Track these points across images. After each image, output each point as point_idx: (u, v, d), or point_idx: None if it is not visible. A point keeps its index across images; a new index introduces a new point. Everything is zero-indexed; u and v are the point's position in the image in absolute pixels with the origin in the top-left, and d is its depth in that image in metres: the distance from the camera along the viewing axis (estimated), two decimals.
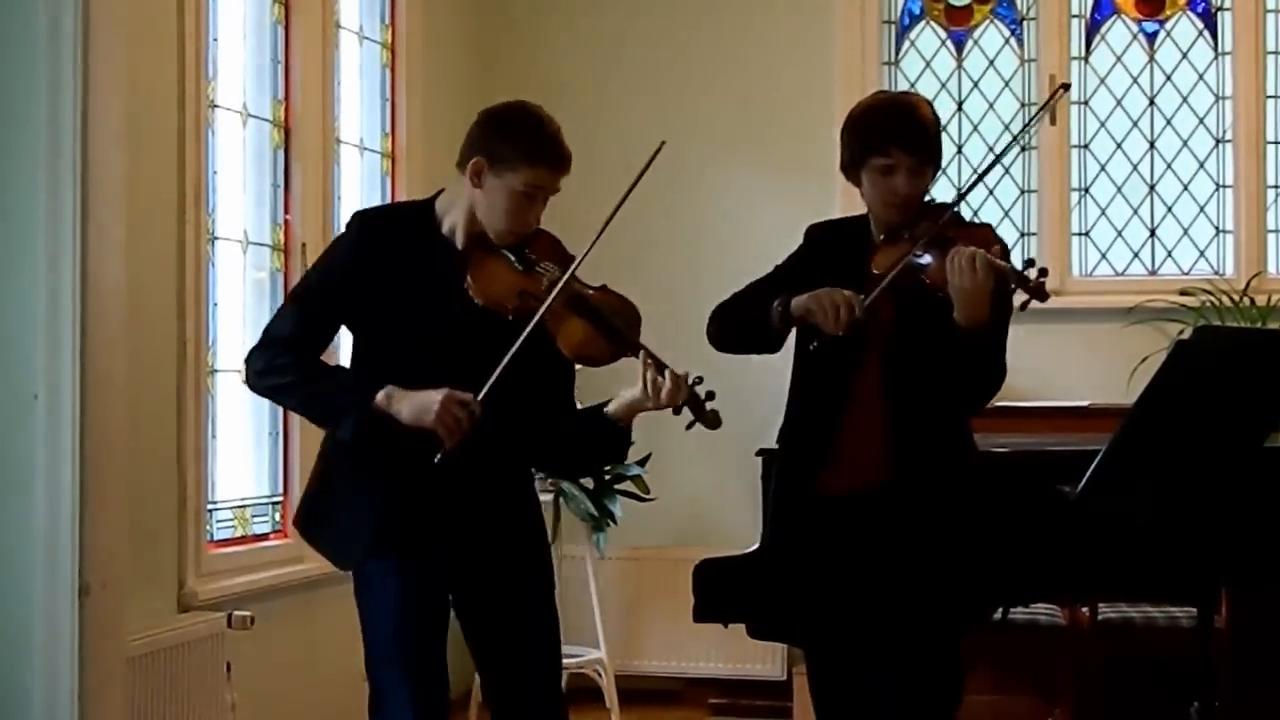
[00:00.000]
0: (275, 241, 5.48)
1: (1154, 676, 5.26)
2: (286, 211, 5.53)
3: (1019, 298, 3.31)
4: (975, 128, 6.77)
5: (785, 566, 3.75)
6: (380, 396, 3.31)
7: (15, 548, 3.99)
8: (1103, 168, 6.72)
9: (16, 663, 3.99)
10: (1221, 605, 5.19)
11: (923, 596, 3.50)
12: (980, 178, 4.24)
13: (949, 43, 6.85)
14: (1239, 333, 4.78)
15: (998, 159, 5.90)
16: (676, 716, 6.60)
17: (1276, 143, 6.57)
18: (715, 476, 6.65)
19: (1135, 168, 6.71)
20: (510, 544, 3.54)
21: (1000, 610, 4.51)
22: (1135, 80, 6.72)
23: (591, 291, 3.46)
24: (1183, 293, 6.35)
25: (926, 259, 3.38)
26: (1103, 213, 6.72)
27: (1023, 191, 6.75)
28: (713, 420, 3.51)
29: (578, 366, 3.56)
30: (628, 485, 6.28)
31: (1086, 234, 6.72)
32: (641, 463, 6.28)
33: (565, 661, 6.32)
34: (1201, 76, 6.67)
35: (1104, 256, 6.72)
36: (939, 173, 3.60)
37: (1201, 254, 6.66)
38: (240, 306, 5.30)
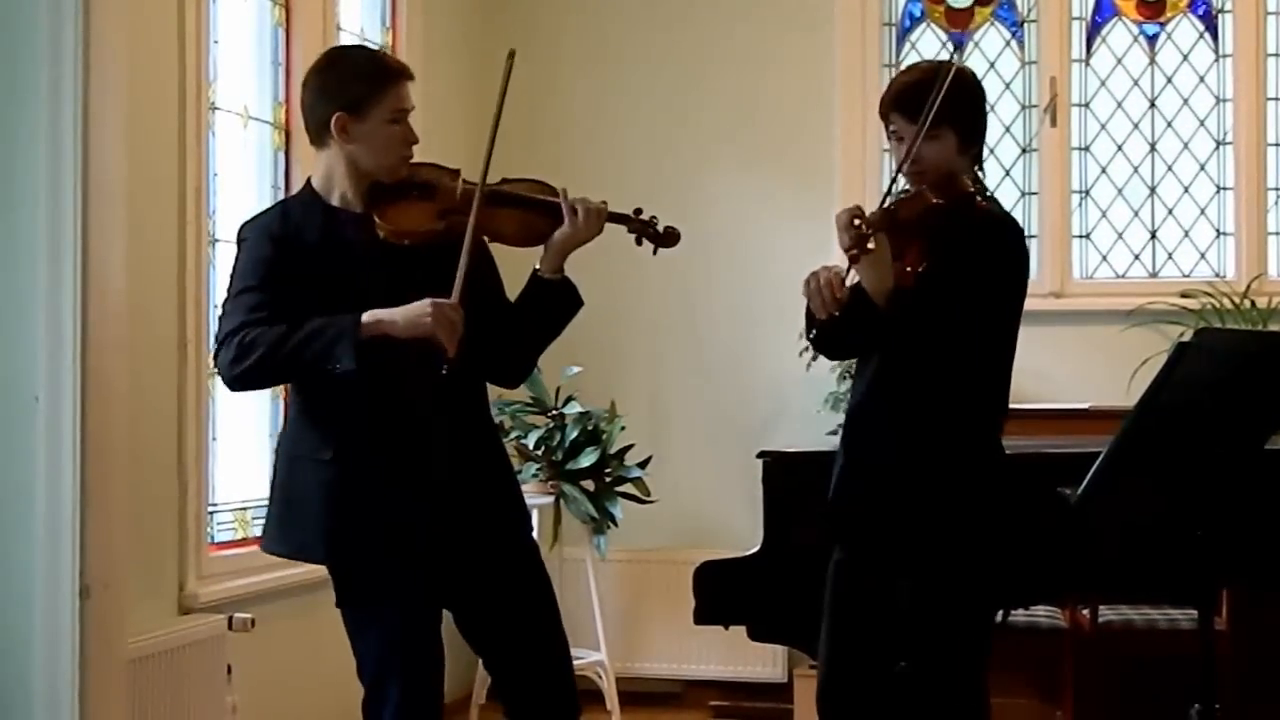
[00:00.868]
0: None
1: (1154, 679, 5.26)
2: None
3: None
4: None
5: (788, 566, 3.73)
6: (366, 318, 3.25)
7: (16, 550, 4.00)
8: (1103, 170, 6.72)
9: (17, 665, 4.00)
10: (1222, 608, 5.19)
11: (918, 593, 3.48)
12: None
13: (950, 45, 6.85)
14: (1240, 335, 4.77)
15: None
16: (677, 718, 6.60)
17: (1277, 145, 6.57)
18: (716, 479, 6.65)
19: (1136, 170, 6.70)
20: (494, 523, 3.52)
21: (1001, 613, 4.50)
22: (1136, 82, 6.71)
23: (498, 183, 3.49)
24: (1183, 295, 6.35)
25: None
26: (1103, 215, 6.72)
27: (1023, 194, 6.75)
28: (670, 236, 3.62)
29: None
30: (628, 488, 6.28)
31: (1087, 236, 6.72)
32: (642, 465, 6.29)
33: None
34: (1202, 79, 6.67)
35: (1104, 259, 6.72)
36: (975, 143, 3.44)
37: (1202, 256, 6.66)
38: None
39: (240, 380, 3.37)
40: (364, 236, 3.40)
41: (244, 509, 5.29)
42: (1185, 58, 6.69)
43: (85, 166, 4.02)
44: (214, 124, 5.12)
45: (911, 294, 3.30)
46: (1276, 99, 6.57)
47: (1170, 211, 6.68)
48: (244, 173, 5.40)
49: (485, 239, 3.47)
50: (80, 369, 4.01)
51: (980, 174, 3.54)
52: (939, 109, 3.28)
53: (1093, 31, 6.75)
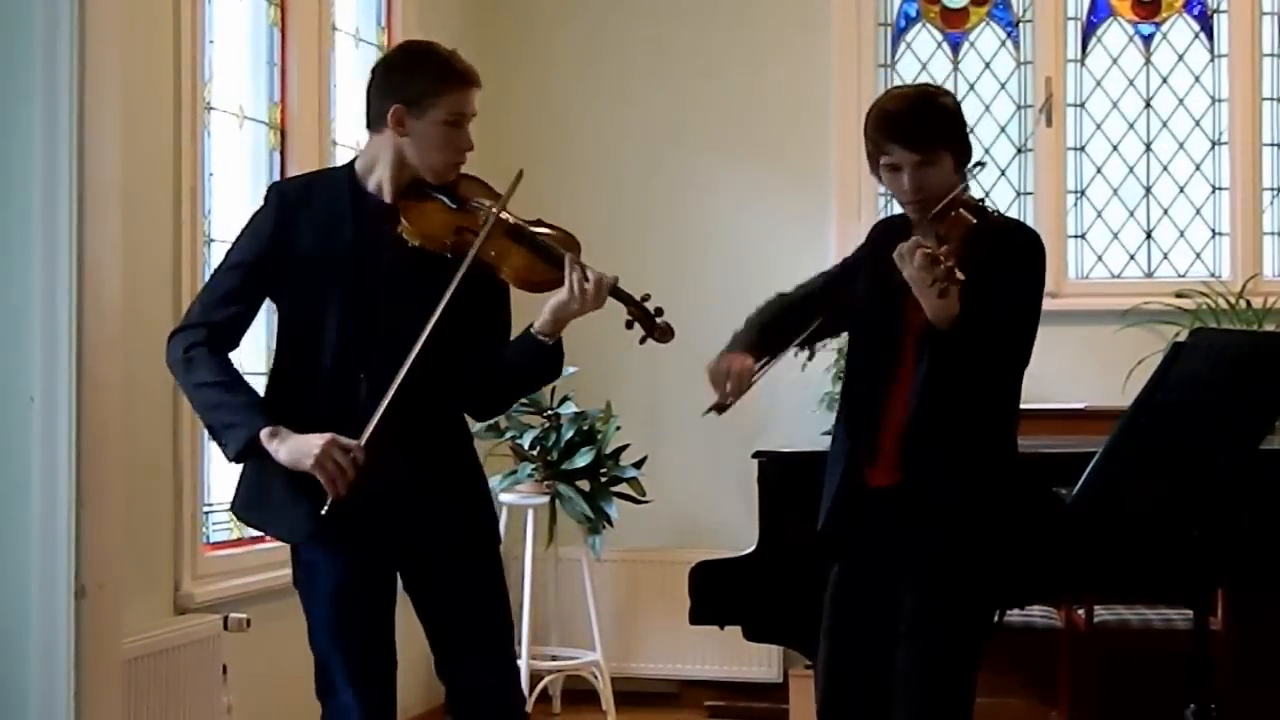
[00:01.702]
0: None
1: (1150, 679, 5.27)
2: None
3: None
4: (971, 130, 6.74)
5: (783, 566, 3.73)
6: (265, 432, 3.32)
7: (11, 550, 3.99)
8: (1099, 170, 6.72)
9: (13, 665, 3.99)
10: (1218, 607, 5.19)
11: (921, 614, 3.47)
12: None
13: (945, 45, 6.86)
14: (1235, 335, 4.78)
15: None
16: (673, 718, 6.60)
17: (1272, 145, 6.58)
18: (711, 479, 6.65)
19: (1131, 170, 6.71)
20: (453, 512, 3.51)
21: (996, 612, 4.50)
22: (1131, 83, 6.72)
23: (530, 224, 3.49)
24: (1179, 295, 6.35)
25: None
26: (1099, 215, 6.72)
27: (1019, 194, 6.75)
28: (664, 332, 3.55)
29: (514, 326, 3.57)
30: (624, 488, 6.28)
31: (1082, 236, 6.73)
32: (638, 465, 6.28)
33: (562, 664, 6.38)
34: (1198, 79, 6.67)
35: (1100, 259, 6.72)
36: (967, 159, 3.50)
37: (1197, 256, 6.67)
38: None
39: (169, 366, 3.51)
40: (379, 228, 3.41)
41: None
42: (1181, 58, 6.69)
43: (80, 166, 4.02)
44: (209, 124, 5.12)
45: (964, 313, 3.29)
46: (1272, 99, 6.58)
47: (1166, 211, 6.69)
48: (239, 173, 5.40)
49: (489, 270, 3.43)
50: (75, 369, 4.01)
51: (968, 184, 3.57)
52: (938, 136, 3.40)
53: (1088, 31, 6.75)
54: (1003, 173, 6.74)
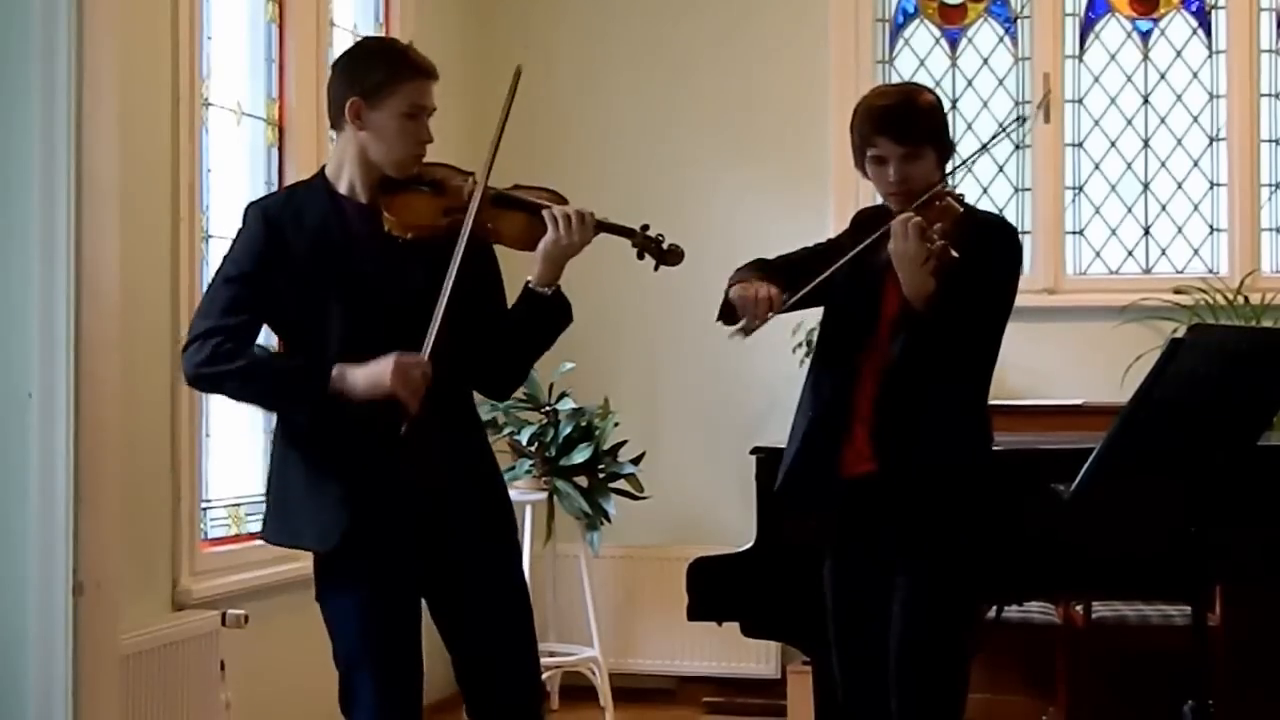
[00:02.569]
0: None
1: (1148, 675, 5.27)
2: None
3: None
4: (969, 126, 6.77)
5: (781, 562, 3.75)
6: (333, 377, 3.28)
7: (9, 547, 3.99)
8: (1096, 166, 6.72)
9: (11, 661, 4.00)
10: (1215, 603, 5.20)
11: (911, 595, 3.51)
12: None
13: (943, 41, 6.85)
14: (1233, 331, 4.78)
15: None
16: (671, 715, 6.61)
17: (1271, 141, 6.58)
18: (709, 475, 6.66)
19: (1129, 166, 6.71)
20: (475, 517, 3.49)
21: (995, 608, 4.51)
22: (1129, 78, 6.72)
23: (507, 188, 3.50)
24: (1176, 291, 6.36)
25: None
26: (1096, 211, 6.72)
27: (1016, 190, 6.75)
28: (674, 254, 3.61)
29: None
30: (622, 484, 6.28)
31: (1080, 232, 6.73)
32: (635, 461, 6.29)
33: (560, 660, 6.37)
34: (1195, 75, 6.67)
35: (1098, 255, 6.72)
36: (948, 157, 3.62)
37: (1195, 252, 6.67)
38: None
39: (201, 382, 3.43)
40: (366, 228, 3.39)
41: (237, 505, 5.29)
42: (1179, 54, 6.69)
43: (78, 163, 4.01)
44: (207, 120, 5.12)
45: (941, 295, 3.40)
46: (1270, 95, 6.58)
47: (1164, 208, 6.69)
48: (237, 169, 5.40)
49: (489, 241, 3.46)
50: (73, 366, 4.00)
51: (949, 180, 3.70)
52: (924, 131, 3.54)
53: (1086, 27, 6.75)
54: (1000, 169, 6.74)
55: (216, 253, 5.13)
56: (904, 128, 3.50)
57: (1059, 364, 6.42)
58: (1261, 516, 4.11)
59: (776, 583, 4.13)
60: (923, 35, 6.87)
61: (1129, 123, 6.71)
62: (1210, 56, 6.66)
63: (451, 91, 6.53)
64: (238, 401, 3.62)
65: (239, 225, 3.47)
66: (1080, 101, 6.73)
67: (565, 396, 6.27)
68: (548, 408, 6.25)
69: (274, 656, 5.16)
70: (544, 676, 6.29)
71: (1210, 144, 6.65)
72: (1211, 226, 6.65)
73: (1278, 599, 5.40)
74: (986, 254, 3.47)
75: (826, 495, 3.62)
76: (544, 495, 6.24)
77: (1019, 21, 6.78)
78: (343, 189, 3.45)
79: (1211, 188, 6.65)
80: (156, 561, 4.75)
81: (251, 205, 3.51)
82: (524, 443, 6.22)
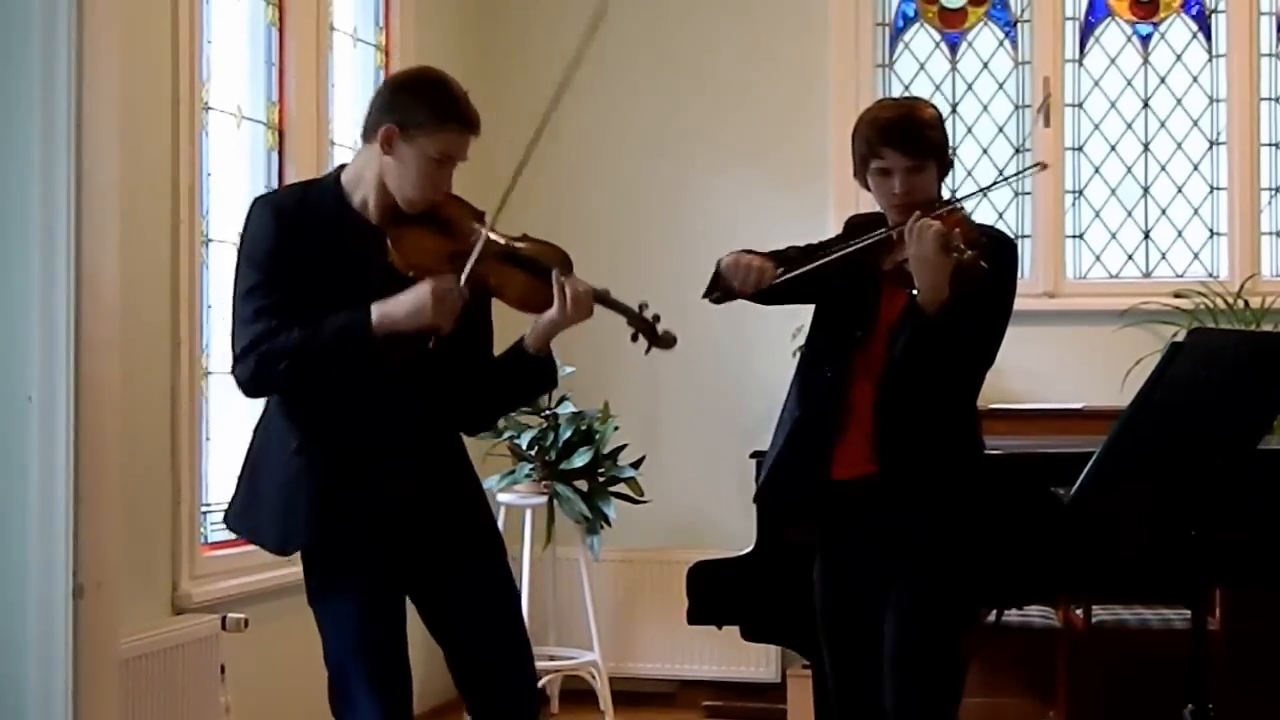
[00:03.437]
0: None
1: (1148, 679, 5.26)
2: None
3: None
4: (969, 130, 6.78)
5: (780, 566, 3.77)
6: (373, 317, 3.29)
7: (9, 550, 3.99)
8: (1096, 170, 6.72)
9: (11, 665, 3.99)
10: (1215, 607, 5.20)
11: (909, 595, 3.52)
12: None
13: (943, 45, 6.86)
14: (1233, 335, 4.78)
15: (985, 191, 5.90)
16: (670, 718, 6.60)
17: (1271, 145, 6.58)
18: (709, 479, 6.65)
19: (1129, 170, 6.71)
20: (457, 527, 3.51)
21: (994, 612, 4.51)
22: (1129, 83, 6.72)
23: (519, 242, 3.49)
24: (1176, 295, 6.36)
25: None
26: (1096, 215, 6.72)
27: (1016, 194, 6.75)
28: (666, 340, 3.57)
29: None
30: (621, 488, 6.28)
31: (1080, 236, 6.73)
32: (635, 465, 6.29)
33: (560, 664, 6.37)
34: (1195, 79, 6.67)
35: (1098, 259, 6.72)
36: (948, 171, 3.68)
37: (1195, 256, 6.67)
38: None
39: (264, 390, 3.42)
40: (371, 251, 3.37)
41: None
42: (1178, 58, 6.70)
43: (79, 166, 4.01)
44: (207, 124, 5.12)
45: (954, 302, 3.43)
46: (1270, 99, 6.58)
47: (1164, 212, 6.69)
48: (237, 173, 5.40)
49: (488, 294, 3.46)
50: (74, 369, 4.00)
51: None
52: (930, 144, 3.58)
53: (1086, 31, 6.76)
54: (1000, 173, 6.74)
55: (216, 256, 5.15)
56: (911, 140, 3.54)
57: (1059, 368, 6.43)
58: (1262, 520, 4.11)
59: (776, 586, 4.13)
60: (923, 39, 6.87)
61: (1129, 127, 6.71)
62: (1210, 60, 6.66)
63: None
64: (307, 379, 3.45)
65: (246, 219, 3.44)
66: (1080, 105, 6.73)
67: (565, 400, 6.27)
68: (548, 411, 6.25)
69: (274, 660, 5.16)
70: (544, 680, 6.35)
71: (1210, 148, 6.65)
72: (1211, 230, 6.65)
73: (1277, 603, 5.40)
74: (992, 268, 3.48)
75: (811, 496, 3.64)
76: (544, 499, 6.24)
77: (1019, 25, 6.78)
78: (355, 202, 3.44)
79: (1211, 191, 6.65)
80: (156, 565, 4.74)
81: (259, 200, 3.49)
82: (524, 446, 6.22)
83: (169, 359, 4.78)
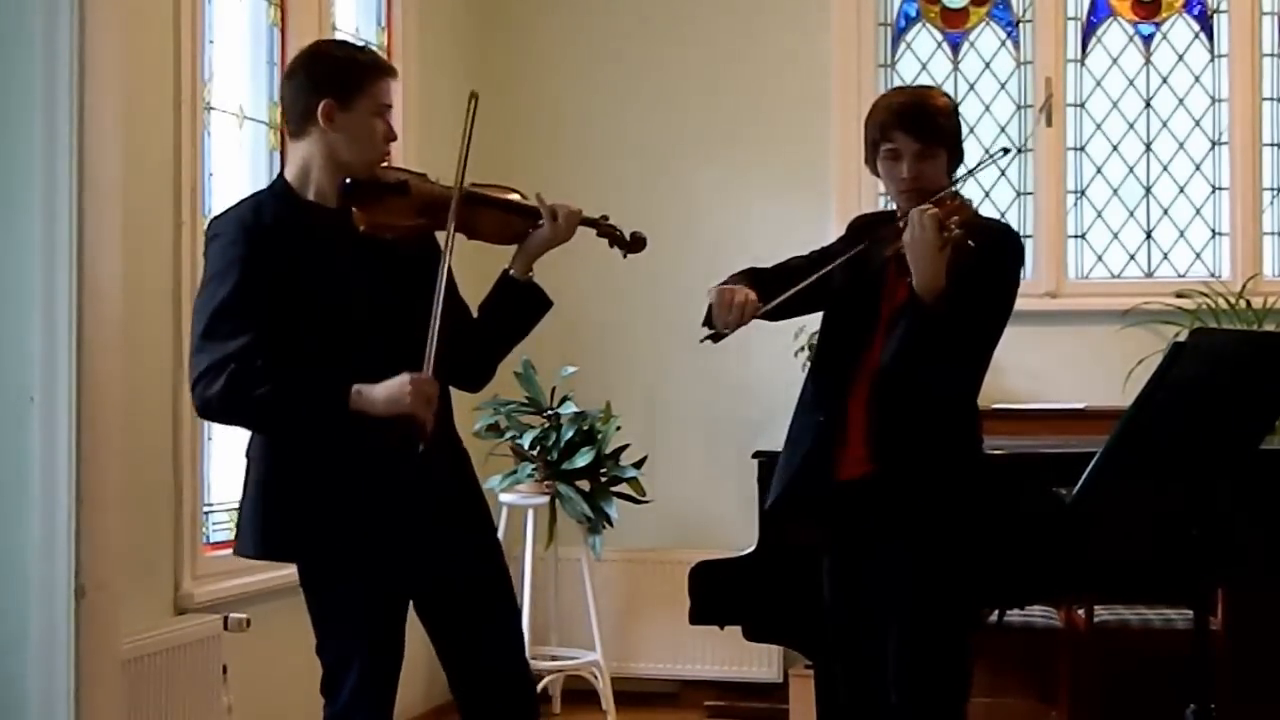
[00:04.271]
0: None
1: (1150, 679, 5.27)
2: None
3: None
4: (971, 130, 6.77)
5: (783, 566, 3.77)
6: (352, 394, 3.28)
7: (11, 550, 3.99)
8: (1099, 170, 6.72)
9: (13, 665, 4.00)
10: (1218, 607, 5.20)
11: (911, 595, 3.52)
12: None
13: (945, 45, 6.86)
14: (1235, 335, 4.77)
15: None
16: (673, 719, 6.60)
17: (1272, 145, 6.57)
18: (711, 479, 6.65)
19: (1131, 170, 6.71)
20: (466, 528, 3.53)
21: (996, 612, 4.51)
22: (1131, 83, 6.72)
23: (474, 187, 3.56)
24: (1179, 295, 6.35)
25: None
26: (1098, 215, 6.72)
27: (1018, 194, 6.75)
28: (636, 241, 3.71)
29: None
30: (624, 488, 6.28)
31: (1082, 236, 6.73)
32: (638, 465, 6.28)
33: (562, 664, 6.37)
34: (1198, 79, 6.67)
35: (1100, 259, 6.72)
36: (959, 163, 3.69)
37: (1197, 256, 6.67)
38: None
39: (217, 415, 3.41)
40: (341, 233, 3.39)
41: (239, 509, 5.28)
42: (1181, 58, 6.69)
43: (80, 166, 4.02)
44: (209, 124, 5.12)
45: (950, 290, 3.43)
46: (1272, 99, 6.58)
47: (1165, 212, 6.69)
48: (239, 173, 5.39)
49: (469, 238, 3.53)
50: (75, 370, 4.01)
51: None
52: (941, 130, 3.59)
53: (1088, 31, 6.75)
54: (1002, 173, 6.74)
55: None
56: (921, 124, 3.56)
57: (1061, 368, 6.42)
58: (1264, 520, 4.11)
59: (779, 586, 4.13)
60: (925, 39, 6.87)
61: (1131, 127, 6.71)
62: (1212, 60, 6.66)
63: (451, 91, 6.54)
64: (259, 429, 3.46)
65: (208, 242, 3.42)
66: (1082, 105, 6.72)
67: (567, 400, 6.27)
68: (550, 412, 6.25)
69: (276, 660, 5.15)
70: (546, 680, 6.35)
71: (1212, 148, 6.64)
72: (1213, 230, 6.65)
73: None
74: (991, 259, 3.49)
75: (821, 500, 3.63)
76: (546, 499, 6.24)
77: (1021, 25, 6.78)
78: (310, 196, 3.45)
79: (1213, 191, 6.65)
80: (158, 565, 4.75)
81: (217, 219, 3.46)
82: (526, 447, 6.22)
83: (171, 360, 4.77)
